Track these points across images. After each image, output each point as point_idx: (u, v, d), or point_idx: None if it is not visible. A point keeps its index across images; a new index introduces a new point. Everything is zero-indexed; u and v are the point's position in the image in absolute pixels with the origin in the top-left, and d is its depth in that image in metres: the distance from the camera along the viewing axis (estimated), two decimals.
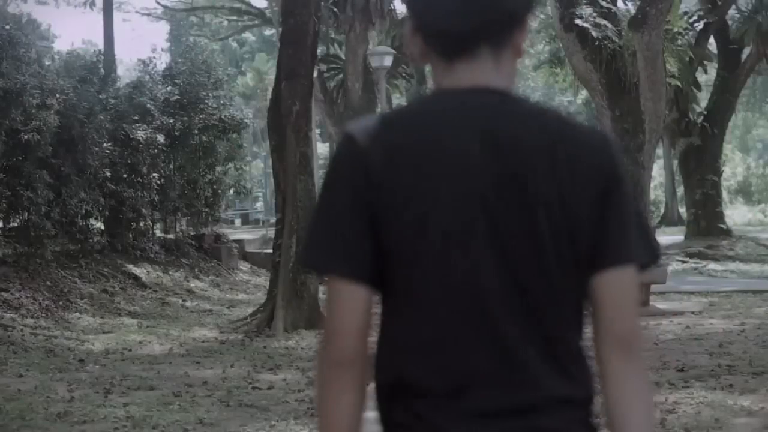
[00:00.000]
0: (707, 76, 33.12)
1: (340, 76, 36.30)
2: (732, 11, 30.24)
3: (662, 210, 39.56)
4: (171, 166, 17.12)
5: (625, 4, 25.47)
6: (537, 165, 1.70)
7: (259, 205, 38.40)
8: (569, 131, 1.75)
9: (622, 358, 1.74)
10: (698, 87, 29.97)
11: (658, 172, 36.08)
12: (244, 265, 18.57)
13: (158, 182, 16.51)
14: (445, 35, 1.75)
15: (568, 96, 61.45)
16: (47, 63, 16.03)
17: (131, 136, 15.46)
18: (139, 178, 16.01)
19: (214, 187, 18.14)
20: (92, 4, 22.26)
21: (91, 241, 15.31)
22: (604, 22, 24.18)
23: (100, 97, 15.09)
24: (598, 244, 1.73)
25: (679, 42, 25.98)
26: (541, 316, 1.71)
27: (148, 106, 16.09)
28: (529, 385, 1.70)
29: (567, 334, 1.75)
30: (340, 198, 1.72)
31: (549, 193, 1.70)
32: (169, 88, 16.90)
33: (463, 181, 1.69)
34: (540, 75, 45.57)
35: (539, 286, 1.71)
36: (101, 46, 20.46)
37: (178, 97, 16.96)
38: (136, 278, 15.04)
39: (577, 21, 23.86)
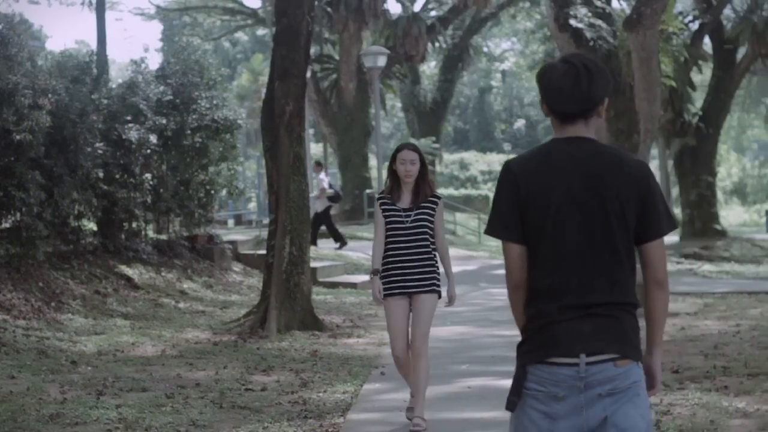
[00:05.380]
0: (702, 77, 33.14)
1: (334, 76, 36.28)
2: (727, 11, 30.27)
3: None
4: (164, 167, 17.03)
5: (620, 4, 25.45)
6: (604, 177, 3.31)
7: (253, 205, 38.32)
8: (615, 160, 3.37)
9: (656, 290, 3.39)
10: (693, 87, 29.94)
11: (653, 172, 36.04)
12: (237, 266, 18.50)
13: (151, 183, 16.42)
14: (559, 113, 3.35)
15: None
16: (39, 63, 15.93)
17: (124, 137, 15.37)
18: (131, 179, 15.92)
19: (207, 187, 18.05)
20: (90, 4, 22.04)
21: (83, 242, 15.23)
22: (598, 22, 24.16)
23: (93, 97, 15.00)
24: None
25: (674, 42, 25.93)
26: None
27: (141, 106, 16.00)
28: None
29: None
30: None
31: (613, 193, 3.32)
32: (161, 89, 16.79)
33: (565, 189, 3.31)
34: (534, 75, 45.59)
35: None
36: (93, 46, 20.36)
37: (171, 97, 16.86)
38: (128, 279, 14.96)
39: (572, 21, 23.84)
